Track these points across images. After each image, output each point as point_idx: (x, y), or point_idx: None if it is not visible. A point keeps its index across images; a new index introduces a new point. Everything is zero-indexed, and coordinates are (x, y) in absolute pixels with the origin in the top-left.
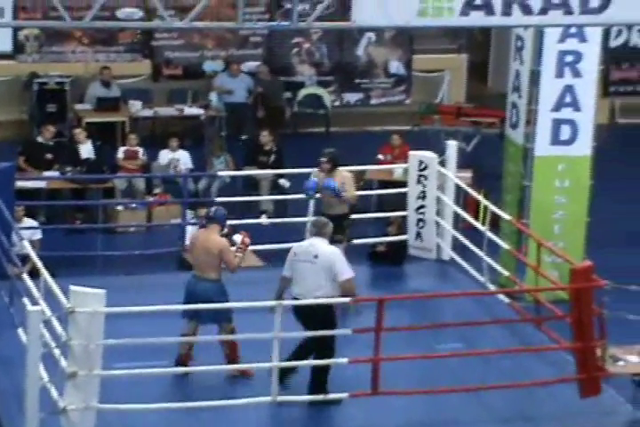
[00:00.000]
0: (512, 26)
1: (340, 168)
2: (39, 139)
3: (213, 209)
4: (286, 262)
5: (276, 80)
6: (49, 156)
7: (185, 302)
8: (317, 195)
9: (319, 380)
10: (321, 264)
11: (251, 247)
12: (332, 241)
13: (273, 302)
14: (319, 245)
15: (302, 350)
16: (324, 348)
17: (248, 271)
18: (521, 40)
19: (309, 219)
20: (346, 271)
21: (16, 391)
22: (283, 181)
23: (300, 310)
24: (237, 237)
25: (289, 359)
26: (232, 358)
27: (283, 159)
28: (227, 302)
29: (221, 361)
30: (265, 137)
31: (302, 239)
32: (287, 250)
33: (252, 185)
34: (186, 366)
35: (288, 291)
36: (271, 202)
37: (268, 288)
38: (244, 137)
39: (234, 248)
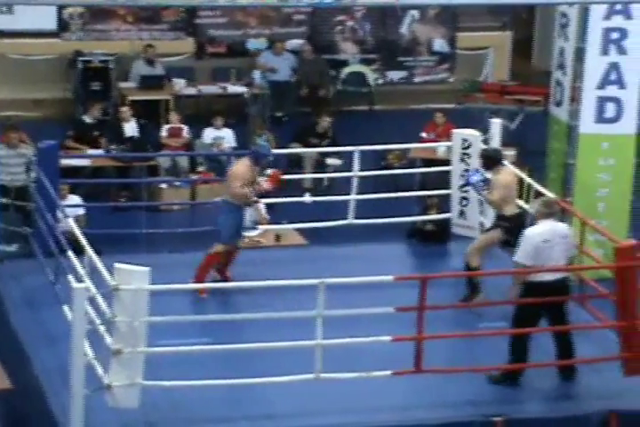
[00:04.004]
0: (557, 3)
1: (504, 167)
2: (86, 118)
3: (259, 145)
4: (528, 252)
5: (320, 59)
6: (95, 133)
7: None
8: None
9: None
10: (570, 242)
11: (293, 225)
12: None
13: (315, 281)
14: (561, 225)
15: (564, 338)
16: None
17: (291, 249)
18: (566, 17)
19: (352, 197)
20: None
21: (61, 368)
22: (333, 161)
23: (564, 290)
24: (262, 180)
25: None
26: (197, 276)
27: (337, 145)
28: (228, 222)
29: (268, 338)
30: (325, 122)
31: (345, 218)
32: (330, 228)
33: (295, 163)
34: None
35: None
36: (313, 180)
37: (311, 266)
38: (284, 116)
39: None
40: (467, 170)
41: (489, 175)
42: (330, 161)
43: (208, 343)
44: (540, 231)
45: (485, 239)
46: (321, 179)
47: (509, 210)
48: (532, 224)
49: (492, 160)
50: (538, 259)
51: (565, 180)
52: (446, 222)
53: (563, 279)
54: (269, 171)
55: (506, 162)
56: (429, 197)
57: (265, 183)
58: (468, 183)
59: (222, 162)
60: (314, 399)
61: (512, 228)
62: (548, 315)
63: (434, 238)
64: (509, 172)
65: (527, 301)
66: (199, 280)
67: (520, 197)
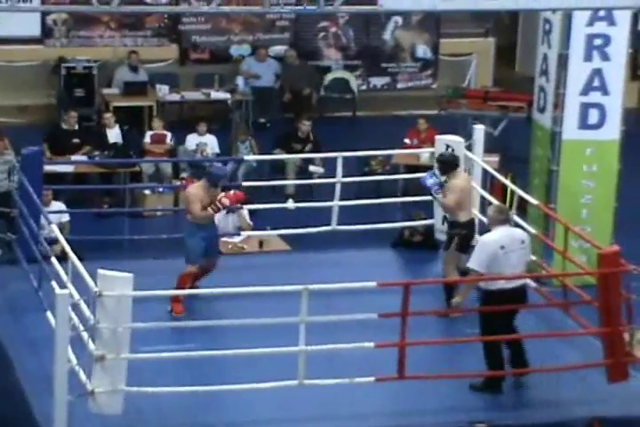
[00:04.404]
0: (540, 9)
1: (460, 172)
2: (63, 125)
3: (213, 165)
4: (483, 259)
5: (305, 65)
6: (76, 140)
7: None
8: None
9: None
10: (528, 248)
11: (276, 231)
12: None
13: (301, 287)
14: (518, 231)
15: (518, 347)
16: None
17: (274, 255)
18: (549, 23)
19: (335, 203)
20: None
21: (44, 374)
22: (314, 168)
23: (520, 297)
24: (221, 196)
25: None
26: (174, 299)
27: (320, 149)
28: (192, 243)
29: (252, 345)
30: (305, 126)
31: (328, 224)
32: (313, 235)
33: (278, 169)
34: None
35: None
36: (296, 186)
37: (295, 273)
38: (268, 122)
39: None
40: (433, 173)
41: (444, 180)
42: (312, 168)
43: (191, 350)
44: (497, 238)
45: (450, 256)
46: (304, 185)
47: (464, 216)
48: (486, 231)
49: (448, 165)
50: (494, 266)
51: (549, 186)
52: (432, 232)
53: (522, 287)
54: (232, 192)
55: (482, 164)
56: (415, 210)
57: (224, 199)
58: (423, 186)
59: (205, 168)
60: (297, 406)
61: (468, 234)
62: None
63: (421, 248)
64: (465, 177)
65: (501, 308)
66: (177, 300)
67: (503, 202)
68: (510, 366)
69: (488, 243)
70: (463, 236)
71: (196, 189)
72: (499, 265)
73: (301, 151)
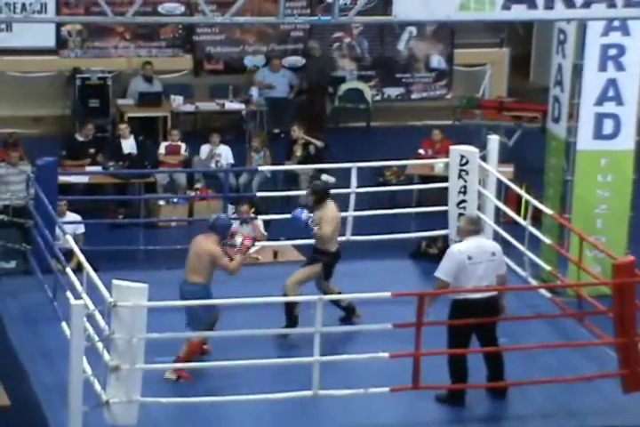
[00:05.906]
0: (554, 19)
1: (330, 202)
2: (79, 137)
3: (214, 217)
4: (450, 268)
5: (326, 55)
6: (91, 150)
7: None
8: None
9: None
10: (499, 260)
11: (291, 242)
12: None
13: (315, 297)
14: (488, 242)
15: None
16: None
17: (288, 266)
18: (563, 34)
19: (349, 214)
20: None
21: (59, 385)
22: (326, 177)
23: (492, 308)
24: (238, 239)
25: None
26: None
27: (321, 153)
28: (204, 309)
29: (266, 355)
30: (295, 132)
31: (342, 234)
32: None
33: (292, 179)
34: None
35: None
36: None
37: (309, 283)
38: (282, 132)
39: (235, 249)
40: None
41: (312, 214)
42: (324, 177)
43: (205, 360)
44: (464, 248)
45: (307, 273)
46: None
47: (333, 246)
48: (459, 241)
49: (322, 195)
50: (461, 276)
51: (563, 196)
52: (448, 244)
53: (491, 298)
54: (239, 237)
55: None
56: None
57: (246, 241)
58: (297, 222)
59: (220, 178)
60: (311, 416)
61: (332, 262)
62: (478, 334)
63: (437, 260)
64: (334, 208)
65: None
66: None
67: (518, 213)
68: (487, 380)
69: (454, 253)
70: (327, 263)
71: (213, 245)
72: (466, 276)
73: (307, 155)
